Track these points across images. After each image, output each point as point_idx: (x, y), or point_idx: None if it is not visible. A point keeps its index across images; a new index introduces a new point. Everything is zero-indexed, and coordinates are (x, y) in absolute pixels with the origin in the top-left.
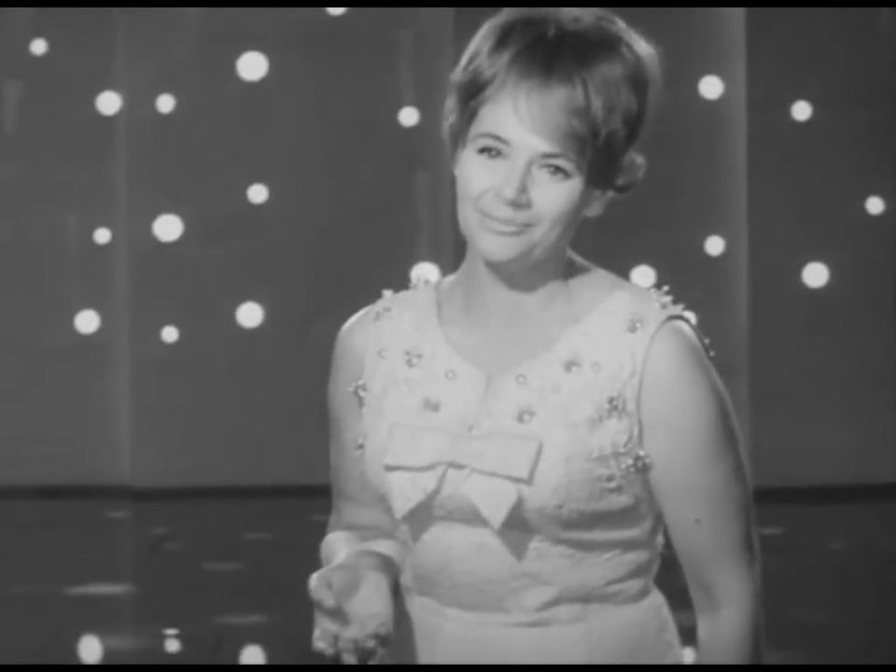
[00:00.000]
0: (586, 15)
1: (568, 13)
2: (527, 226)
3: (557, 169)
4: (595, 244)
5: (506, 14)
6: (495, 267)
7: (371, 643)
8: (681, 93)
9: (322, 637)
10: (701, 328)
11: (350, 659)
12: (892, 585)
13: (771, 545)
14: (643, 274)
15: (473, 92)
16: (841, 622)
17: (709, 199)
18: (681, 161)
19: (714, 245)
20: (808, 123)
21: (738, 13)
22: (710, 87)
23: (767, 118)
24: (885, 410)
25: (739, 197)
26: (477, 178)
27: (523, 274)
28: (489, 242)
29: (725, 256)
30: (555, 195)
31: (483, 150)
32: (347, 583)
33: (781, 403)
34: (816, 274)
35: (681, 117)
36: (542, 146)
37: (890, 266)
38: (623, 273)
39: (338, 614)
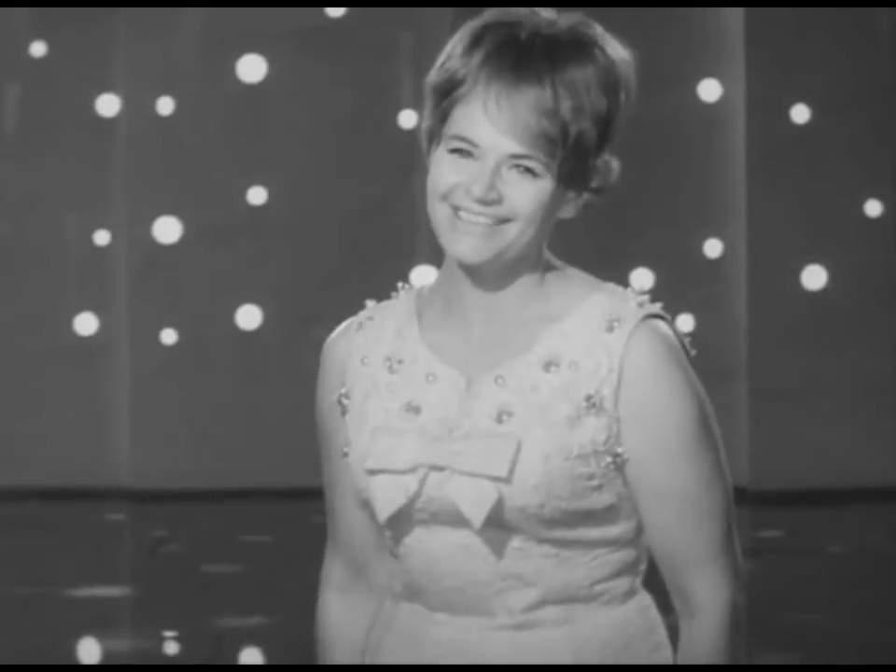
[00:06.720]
0: (562, 19)
1: (545, 17)
2: (501, 221)
3: (526, 170)
4: (594, 246)
5: (482, 16)
6: (470, 269)
7: None
8: (680, 96)
9: None
10: (699, 330)
11: None
12: (891, 588)
13: (770, 548)
14: (642, 277)
15: (445, 93)
16: (840, 624)
17: (708, 201)
18: (680, 164)
19: (713, 248)
20: (807, 126)
21: (737, 16)
22: (709, 89)
23: (766, 120)
24: (883, 413)
25: (738, 199)
26: (446, 175)
27: (499, 275)
28: (461, 244)
29: (724, 258)
30: (526, 193)
31: (454, 151)
32: None
33: (780, 406)
34: (814, 277)
35: (680, 119)
36: (512, 147)
37: (889, 268)
38: (622, 275)
39: None
